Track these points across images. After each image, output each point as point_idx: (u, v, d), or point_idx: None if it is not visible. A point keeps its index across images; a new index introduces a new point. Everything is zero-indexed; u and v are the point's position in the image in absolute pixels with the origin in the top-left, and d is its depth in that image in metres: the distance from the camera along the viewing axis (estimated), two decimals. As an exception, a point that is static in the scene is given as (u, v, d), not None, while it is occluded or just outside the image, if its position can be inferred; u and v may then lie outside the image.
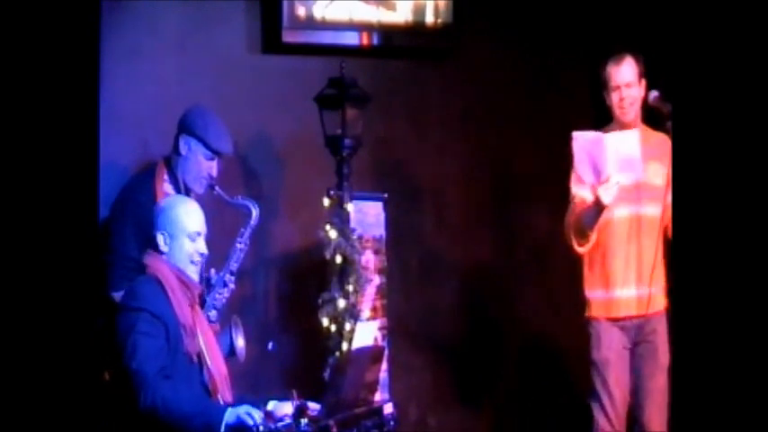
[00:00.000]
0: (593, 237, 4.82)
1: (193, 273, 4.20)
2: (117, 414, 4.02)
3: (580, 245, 4.85)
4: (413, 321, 5.96)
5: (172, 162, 4.92)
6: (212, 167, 4.93)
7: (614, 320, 4.89)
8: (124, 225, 4.76)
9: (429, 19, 5.96)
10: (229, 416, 3.89)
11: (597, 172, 4.67)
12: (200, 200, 4.95)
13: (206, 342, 4.17)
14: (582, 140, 4.69)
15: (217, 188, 4.95)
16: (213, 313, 4.80)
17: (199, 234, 4.19)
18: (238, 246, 4.99)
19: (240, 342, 4.81)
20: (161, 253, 4.16)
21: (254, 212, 5.04)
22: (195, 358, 4.08)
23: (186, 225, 4.17)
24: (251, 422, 3.86)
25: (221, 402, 4.09)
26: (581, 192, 4.85)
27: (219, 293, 4.88)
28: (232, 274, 4.95)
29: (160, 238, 4.16)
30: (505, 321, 6.16)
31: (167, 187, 4.86)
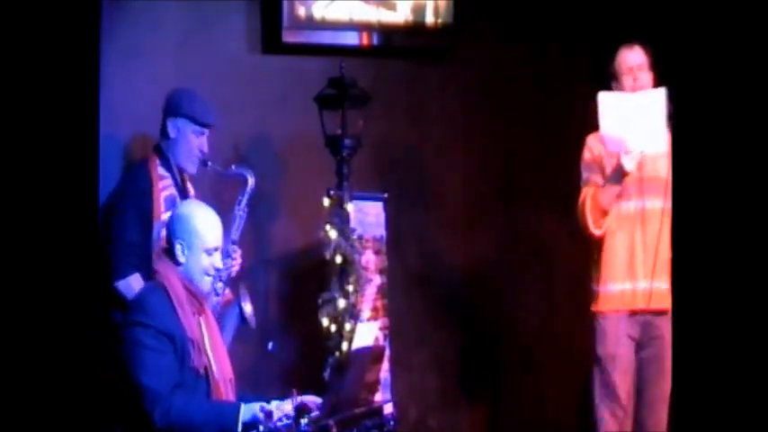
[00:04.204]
0: (608, 220, 4.81)
1: (206, 284, 4.10)
2: (119, 414, 4.01)
3: (598, 226, 4.83)
4: (413, 321, 5.96)
5: (162, 147, 4.96)
6: (203, 143, 4.98)
7: (628, 313, 4.84)
8: (126, 212, 4.81)
9: (429, 19, 5.96)
10: (245, 413, 3.87)
11: (620, 135, 4.69)
12: (195, 178, 5.00)
13: (213, 349, 4.09)
14: (608, 100, 4.71)
15: (210, 163, 4.98)
16: (219, 285, 4.80)
17: (216, 249, 4.07)
18: (238, 213, 5.00)
19: (248, 308, 4.85)
20: (177, 263, 4.05)
21: (251, 180, 5.05)
22: (202, 371, 4.01)
23: (205, 239, 4.05)
24: (262, 416, 3.85)
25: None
26: (593, 176, 4.88)
27: (224, 264, 4.86)
28: (234, 243, 4.96)
29: (178, 248, 4.03)
30: (506, 321, 6.15)
31: (161, 170, 4.90)
